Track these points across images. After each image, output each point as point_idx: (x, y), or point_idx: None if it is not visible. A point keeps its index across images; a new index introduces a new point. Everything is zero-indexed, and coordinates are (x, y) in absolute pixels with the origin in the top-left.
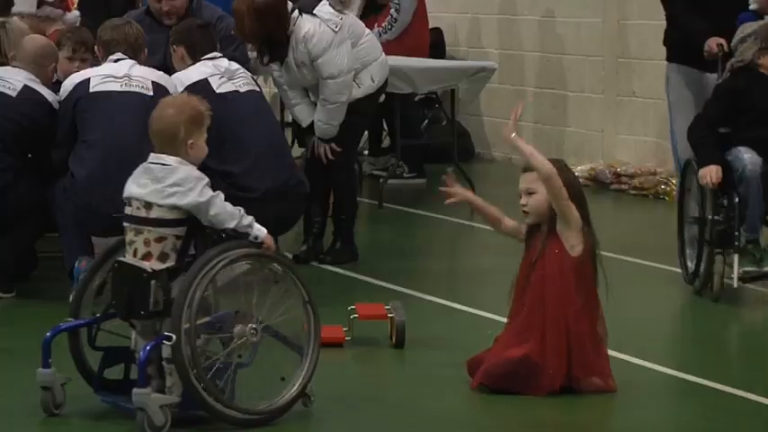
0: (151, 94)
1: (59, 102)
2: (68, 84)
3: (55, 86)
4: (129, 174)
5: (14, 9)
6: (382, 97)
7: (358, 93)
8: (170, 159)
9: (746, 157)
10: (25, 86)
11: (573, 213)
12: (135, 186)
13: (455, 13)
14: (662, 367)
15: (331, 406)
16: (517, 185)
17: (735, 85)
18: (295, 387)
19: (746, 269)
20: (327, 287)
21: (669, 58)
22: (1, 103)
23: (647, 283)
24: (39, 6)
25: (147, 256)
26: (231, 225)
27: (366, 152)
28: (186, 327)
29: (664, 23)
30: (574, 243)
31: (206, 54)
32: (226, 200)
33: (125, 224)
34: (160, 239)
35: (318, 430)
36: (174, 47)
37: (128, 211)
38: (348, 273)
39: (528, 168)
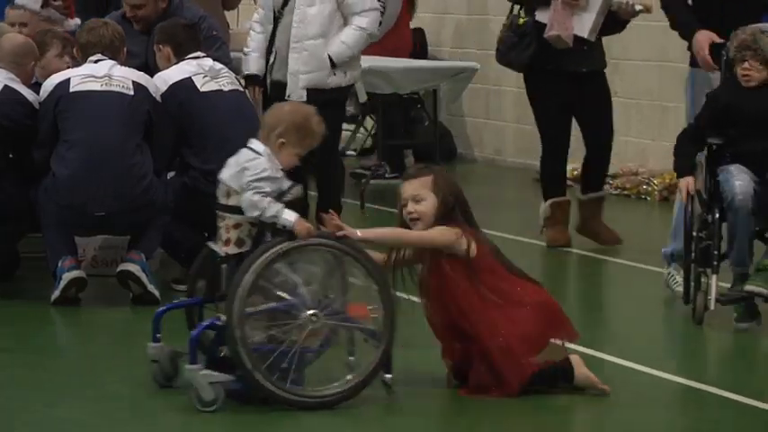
0: (132, 93)
1: (40, 102)
2: (49, 84)
3: (33, 88)
4: (111, 173)
5: (18, 1)
6: (363, 97)
7: (330, 82)
8: (262, 148)
9: (737, 184)
10: (6, 87)
11: (439, 240)
12: (225, 170)
13: (437, 13)
14: (646, 368)
15: None
16: (499, 186)
17: (722, 94)
18: (362, 373)
19: (724, 292)
20: None
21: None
22: None
23: (629, 284)
24: (43, 6)
25: (226, 242)
26: (253, 214)
27: (348, 152)
28: (238, 310)
29: (644, 24)
30: (458, 252)
31: (191, 54)
32: (208, 197)
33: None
34: (237, 226)
35: (304, 429)
36: (161, 46)
37: (218, 197)
38: None
39: (411, 176)
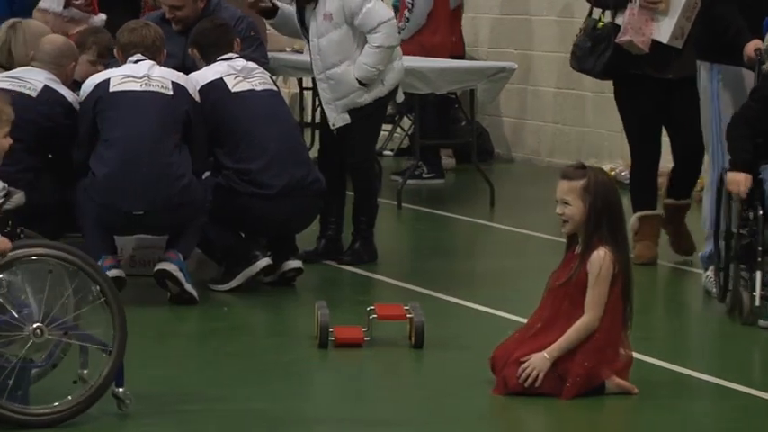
0: (171, 93)
1: (80, 102)
2: (88, 84)
3: (71, 87)
4: (149, 172)
5: (41, 5)
6: (400, 96)
7: (367, 97)
8: None
9: None
10: (45, 87)
11: (606, 286)
12: None
13: (474, 13)
14: (683, 368)
15: (349, 406)
16: (537, 186)
17: None
18: (93, 387)
19: None
20: (346, 287)
21: (709, 58)
22: (22, 103)
23: (667, 285)
24: (65, 6)
25: None
26: None
27: (385, 152)
28: None
29: None
30: None
31: (221, 55)
32: (242, 196)
33: None
34: None
35: (336, 430)
36: (191, 49)
37: None
38: (367, 273)
39: (565, 176)
